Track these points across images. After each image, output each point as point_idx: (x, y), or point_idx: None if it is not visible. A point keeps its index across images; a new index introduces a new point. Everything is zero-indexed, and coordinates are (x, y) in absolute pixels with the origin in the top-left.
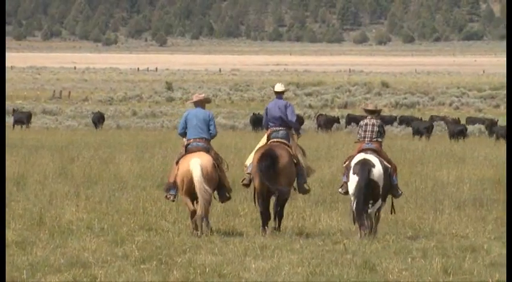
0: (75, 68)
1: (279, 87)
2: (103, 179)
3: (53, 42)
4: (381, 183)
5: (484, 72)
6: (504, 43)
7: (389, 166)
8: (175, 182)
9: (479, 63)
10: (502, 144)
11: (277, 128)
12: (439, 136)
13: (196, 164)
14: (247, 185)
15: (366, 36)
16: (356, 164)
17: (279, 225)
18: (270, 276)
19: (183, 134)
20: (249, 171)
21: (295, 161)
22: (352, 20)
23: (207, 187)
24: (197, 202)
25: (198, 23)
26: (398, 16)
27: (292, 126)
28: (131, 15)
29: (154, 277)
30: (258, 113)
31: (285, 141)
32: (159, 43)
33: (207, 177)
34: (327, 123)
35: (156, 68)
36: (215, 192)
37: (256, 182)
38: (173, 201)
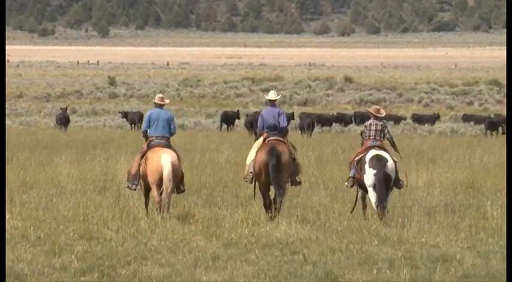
0: (8, 61)
1: (272, 95)
2: (39, 183)
3: None
4: (393, 176)
5: (456, 66)
6: (478, 34)
7: (396, 160)
8: (136, 174)
9: (451, 56)
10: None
11: (272, 132)
12: (407, 136)
13: (167, 160)
14: (250, 182)
15: (328, 27)
16: (371, 159)
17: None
18: None
19: (146, 132)
20: (251, 170)
21: (293, 156)
22: (312, 9)
23: (172, 185)
24: (161, 193)
25: (143, 11)
26: (363, 5)
27: (283, 131)
28: (70, 3)
29: None
30: (231, 111)
31: (281, 139)
32: (101, 34)
33: (174, 173)
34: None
35: (98, 62)
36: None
37: (262, 177)
38: (135, 190)
